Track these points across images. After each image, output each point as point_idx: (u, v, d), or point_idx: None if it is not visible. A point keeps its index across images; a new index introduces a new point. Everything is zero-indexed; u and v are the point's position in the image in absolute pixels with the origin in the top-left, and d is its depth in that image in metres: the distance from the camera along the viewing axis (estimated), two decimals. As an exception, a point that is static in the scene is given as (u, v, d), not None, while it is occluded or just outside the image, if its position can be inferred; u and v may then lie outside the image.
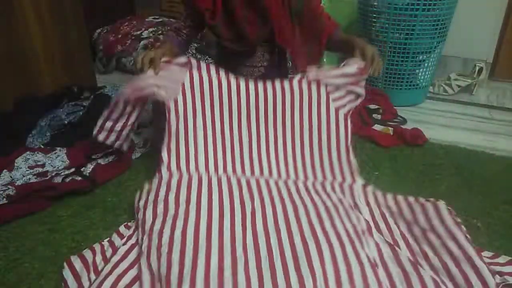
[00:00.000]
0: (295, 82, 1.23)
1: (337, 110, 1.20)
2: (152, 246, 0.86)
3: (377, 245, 0.92)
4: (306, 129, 1.21)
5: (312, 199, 1.04)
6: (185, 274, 0.78)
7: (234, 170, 1.16)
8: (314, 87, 1.21)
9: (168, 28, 1.29)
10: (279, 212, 0.98)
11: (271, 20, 1.24)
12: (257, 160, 1.20)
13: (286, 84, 1.22)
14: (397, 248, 0.90)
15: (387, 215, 1.02)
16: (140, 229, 0.94)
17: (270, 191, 1.08)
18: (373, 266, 0.82)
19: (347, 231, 0.91)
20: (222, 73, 1.20)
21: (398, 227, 0.98)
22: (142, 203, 1.01)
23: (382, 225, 0.99)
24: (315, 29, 1.31)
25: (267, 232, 0.91)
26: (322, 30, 1.32)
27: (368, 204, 1.07)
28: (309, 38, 1.31)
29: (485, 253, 0.92)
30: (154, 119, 1.42)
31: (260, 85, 1.19)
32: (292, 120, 1.20)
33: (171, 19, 2.48)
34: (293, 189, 1.09)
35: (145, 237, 0.90)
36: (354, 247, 0.86)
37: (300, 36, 1.30)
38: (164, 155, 1.14)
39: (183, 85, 1.18)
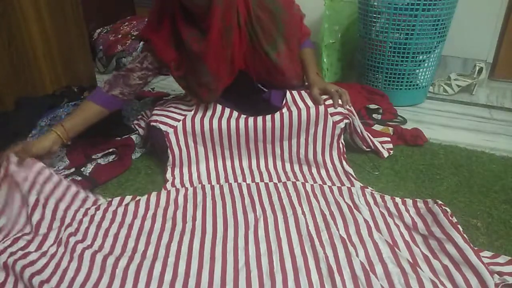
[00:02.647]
0: (293, 97, 1.26)
1: (334, 124, 1.22)
2: (159, 256, 0.90)
3: (376, 245, 0.92)
4: (302, 145, 1.25)
5: (311, 207, 1.06)
6: (189, 285, 0.83)
7: (235, 179, 1.21)
8: (313, 104, 1.23)
9: (119, 73, 1.24)
10: (280, 222, 1.00)
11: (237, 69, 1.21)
12: (256, 171, 1.25)
13: (284, 102, 1.26)
14: (396, 249, 0.90)
15: (386, 215, 1.03)
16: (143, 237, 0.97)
17: (270, 197, 1.11)
18: (367, 273, 0.84)
19: (343, 241, 0.93)
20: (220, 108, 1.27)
21: (398, 228, 0.98)
22: (150, 214, 1.05)
23: (382, 225, 0.99)
24: (295, 42, 1.29)
25: (268, 240, 0.94)
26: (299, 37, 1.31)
27: (368, 204, 1.07)
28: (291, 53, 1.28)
29: (485, 253, 0.92)
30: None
31: (259, 118, 1.23)
32: (290, 136, 1.25)
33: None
34: (293, 195, 1.11)
35: (150, 247, 0.93)
36: (349, 260, 0.88)
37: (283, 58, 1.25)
38: (169, 177, 1.22)
39: (184, 117, 1.25)
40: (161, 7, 1.13)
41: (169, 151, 1.23)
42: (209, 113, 1.26)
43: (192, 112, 1.26)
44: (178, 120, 1.24)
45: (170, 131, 1.22)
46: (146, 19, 1.20)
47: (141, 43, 2.24)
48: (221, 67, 1.17)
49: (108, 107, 1.22)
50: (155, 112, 1.29)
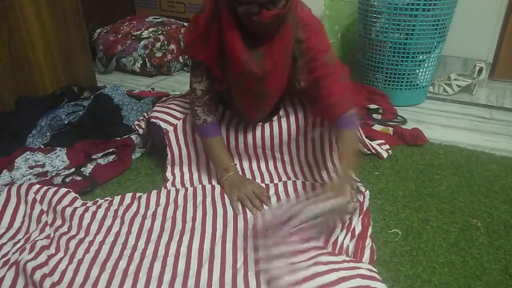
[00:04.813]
0: (289, 99, 1.26)
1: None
2: (158, 255, 0.91)
3: None
4: (302, 146, 1.25)
5: None
6: (189, 286, 0.83)
7: None
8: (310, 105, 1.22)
9: (192, 114, 1.17)
10: None
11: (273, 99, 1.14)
12: (257, 171, 1.24)
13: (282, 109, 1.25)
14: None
15: None
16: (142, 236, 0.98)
17: (269, 199, 1.10)
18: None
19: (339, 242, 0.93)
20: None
21: None
22: (151, 212, 1.06)
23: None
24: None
25: None
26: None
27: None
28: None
29: None
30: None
31: (258, 127, 1.22)
32: (289, 140, 1.23)
33: (171, 19, 2.49)
34: (292, 195, 1.11)
35: (150, 245, 0.94)
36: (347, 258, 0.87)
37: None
38: (169, 175, 1.22)
39: (185, 116, 1.23)
40: (209, 26, 1.02)
41: (167, 150, 1.22)
42: None
43: None
44: (179, 119, 1.23)
45: (170, 129, 1.21)
46: (187, 36, 1.07)
47: (141, 42, 2.24)
48: (279, 88, 1.11)
49: (219, 132, 1.19)
50: (156, 108, 1.28)
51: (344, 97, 1.07)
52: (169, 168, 1.24)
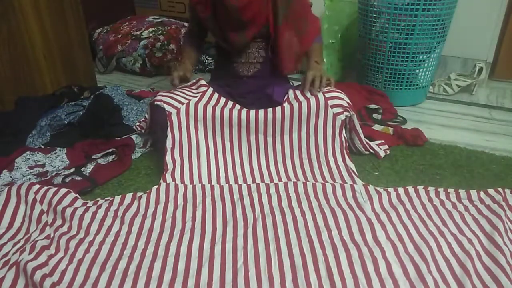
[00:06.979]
0: (295, 94, 1.27)
1: (334, 116, 1.22)
2: (158, 255, 0.91)
3: (379, 244, 0.92)
4: (304, 138, 1.25)
5: (311, 207, 1.06)
6: (189, 286, 0.83)
7: (236, 180, 1.20)
8: (313, 97, 1.23)
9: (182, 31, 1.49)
10: (279, 222, 1.01)
11: (255, 25, 1.30)
12: (257, 169, 1.25)
13: (286, 97, 1.28)
14: (400, 249, 0.90)
15: (390, 208, 1.04)
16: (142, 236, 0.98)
17: (270, 200, 1.10)
18: (368, 277, 0.84)
19: (343, 241, 0.94)
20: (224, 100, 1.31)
21: (401, 219, 1.00)
22: (150, 212, 1.06)
23: (385, 221, 1.00)
24: (299, 29, 1.36)
25: (267, 240, 0.94)
26: (306, 32, 1.37)
27: (370, 199, 1.07)
28: (294, 37, 1.35)
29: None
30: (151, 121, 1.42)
31: (261, 111, 1.24)
32: (291, 129, 1.25)
33: (171, 19, 2.48)
34: (293, 196, 1.11)
35: (150, 245, 0.94)
36: (349, 260, 0.88)
37: (287, 35, 1.34)
38: (169, 161, 1.22)
39: (189, 101, 1.25)
40: None
41: (169, 130, 1.23)
42: (213, 102, 1.28)
43: (197, 99, 1.27)
44: (182, 103, 1.25)
45: (173, 111, 1.23)
46: None
47: (141, 42, 2.24)
48: (252, 18, 1.28)
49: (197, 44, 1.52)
50: (159, 94, 1.30)
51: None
52: (169, 151, 1.23)
